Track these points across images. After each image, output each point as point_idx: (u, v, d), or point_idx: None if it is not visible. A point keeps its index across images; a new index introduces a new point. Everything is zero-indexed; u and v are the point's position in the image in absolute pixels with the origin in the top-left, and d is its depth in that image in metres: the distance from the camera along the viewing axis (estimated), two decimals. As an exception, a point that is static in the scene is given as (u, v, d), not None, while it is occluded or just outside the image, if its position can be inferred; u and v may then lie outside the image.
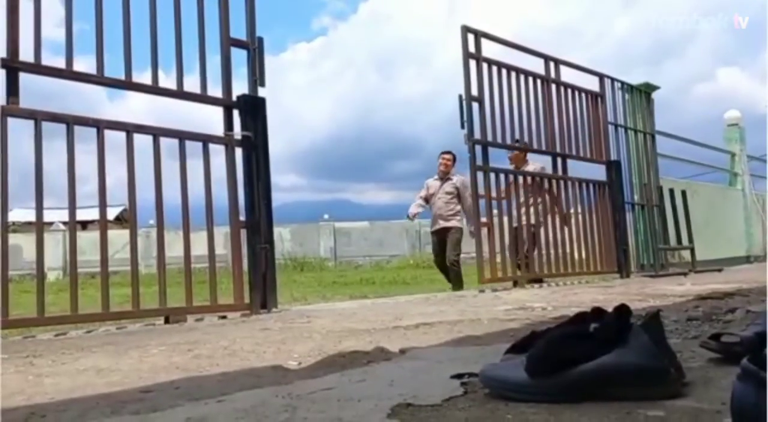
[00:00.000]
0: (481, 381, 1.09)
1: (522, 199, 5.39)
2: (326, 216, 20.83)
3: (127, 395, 1.22)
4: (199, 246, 3.10)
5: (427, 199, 6.57)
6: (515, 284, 4.73)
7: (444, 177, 6.52)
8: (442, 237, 6.36)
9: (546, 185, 5.42)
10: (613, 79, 6.19)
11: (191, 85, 3.14)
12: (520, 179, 5.20)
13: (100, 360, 1.73)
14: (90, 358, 1.77)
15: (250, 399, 1.12)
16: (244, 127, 3.29)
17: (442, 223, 6.34)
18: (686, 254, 6.89)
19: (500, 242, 4.77)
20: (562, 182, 5.36)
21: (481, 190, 4.68)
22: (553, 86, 5.43)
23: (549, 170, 5.54)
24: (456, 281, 6.09)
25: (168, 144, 3.02)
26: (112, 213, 17.66)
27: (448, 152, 6.55)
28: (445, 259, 6.29)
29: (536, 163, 5.80)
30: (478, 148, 4.69)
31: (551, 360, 0.99)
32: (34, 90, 2.69)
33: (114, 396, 1.22)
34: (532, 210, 5.34)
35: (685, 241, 6.92)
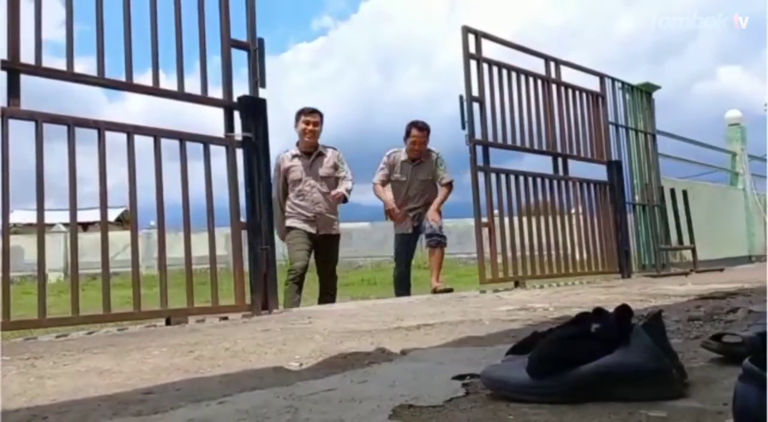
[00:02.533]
0: (482, 382, 1.09)
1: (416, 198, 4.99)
2: (327, 217, 20.80)
3: (129, 396, 1.22)
4: (199, 247, 3.10)
5: (286, 186, 4.42)
6: (516, 284, 4.72)
7: (313, 151, 4.42)
8: (324, 248, 4.47)
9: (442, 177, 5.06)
10: (613, 79, 6.19)
11: (192, 86, 3.14)
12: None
13: (101, 361, 1.73)
14: (91, 360, 1.77)
15: (251, 400, 1.12)
16: (244, 128, 3.29)
17: (326, 229, 4.45)
18: (688, 254, 6.88)
19: (501, 242, 4.76)
20: (563, 182, 5.35)
21: (483, 192, 4.67)
22: (554, 86, 5.43)
23: (440, 162, 5.10)
24: (330, 294, 4.58)
25: (169, 145, 3.03)
26: (112, 215, 17.68)
27: (313, 110, 4.42)
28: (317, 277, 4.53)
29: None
30: (479, 149, 4.68)
31: (553, 360, 0.99)
32: (32, 91, 2.69)
33: (115, 397, 1.22)
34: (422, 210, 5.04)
35: (686, 241, 6.91)
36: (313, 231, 4.40)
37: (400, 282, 5.18)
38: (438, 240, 4.98)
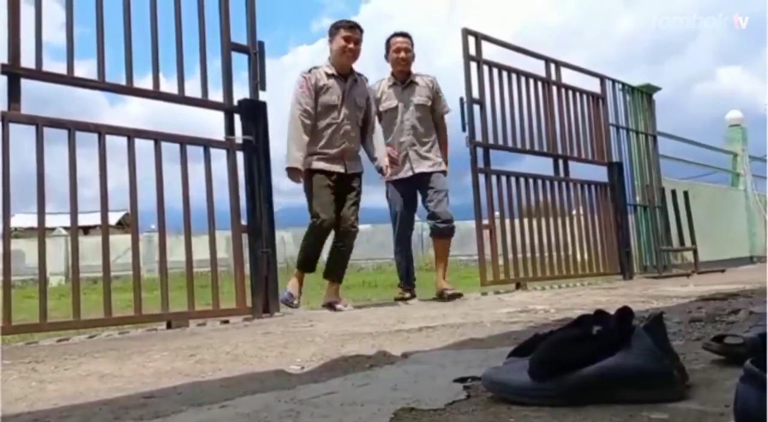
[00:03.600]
0: (484, 385, 1.08)
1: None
2: (328, 220, 20.78)
3: (130, 401, 1.22)
4: (200, 250, 3.10)
5: (315, 106, 3.56)
6: (518, 286, 4.72)
7: (349, 74, 3.69)
8: (348, 188, 3.67)
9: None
10: (614, 81, 6.20)
11: (192, 89, 3.15)
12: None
13: (102, 365, 1.73)
14: (92, 364, 1.77)
15: (252, 404, 1.12)
16: (245, 131, 3.29)
17: (353, 168, 3.69)
18: (689, 255, 6.87)
19: (502, 244, 4.76)
20: (563, 183, 5.35)
21: (483, 194, 4.67)
22: (554, 88, 5.44)
23: (438, 88, 4.19)
24: (340, 264, 3.71)
25: (169, 148, 3.03)
26: (113, 218, 17.68)
27: (355, 25, 3.70)
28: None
29: (425, 75, 4.18)
30: (480, 151, 4.69)
31: (554, 363, 0.99)
32: (33, 93, 2.70)
33: (117, 401, 1.22)
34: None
35: (687, 242, 6.90)
36: (341, 169, 3.61)
37: (403, 247, 4.17)
38: (450, 228, 4.02)
